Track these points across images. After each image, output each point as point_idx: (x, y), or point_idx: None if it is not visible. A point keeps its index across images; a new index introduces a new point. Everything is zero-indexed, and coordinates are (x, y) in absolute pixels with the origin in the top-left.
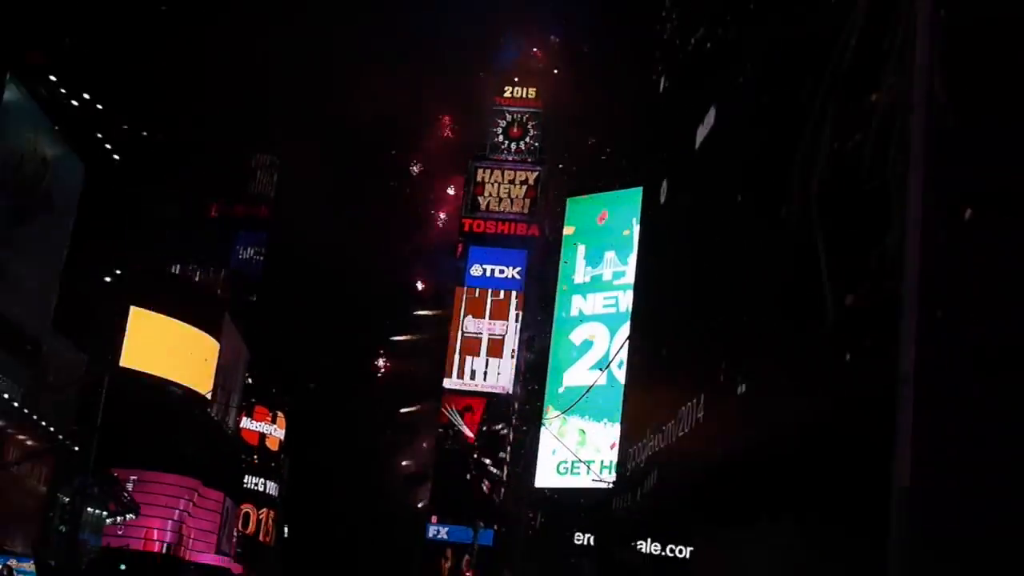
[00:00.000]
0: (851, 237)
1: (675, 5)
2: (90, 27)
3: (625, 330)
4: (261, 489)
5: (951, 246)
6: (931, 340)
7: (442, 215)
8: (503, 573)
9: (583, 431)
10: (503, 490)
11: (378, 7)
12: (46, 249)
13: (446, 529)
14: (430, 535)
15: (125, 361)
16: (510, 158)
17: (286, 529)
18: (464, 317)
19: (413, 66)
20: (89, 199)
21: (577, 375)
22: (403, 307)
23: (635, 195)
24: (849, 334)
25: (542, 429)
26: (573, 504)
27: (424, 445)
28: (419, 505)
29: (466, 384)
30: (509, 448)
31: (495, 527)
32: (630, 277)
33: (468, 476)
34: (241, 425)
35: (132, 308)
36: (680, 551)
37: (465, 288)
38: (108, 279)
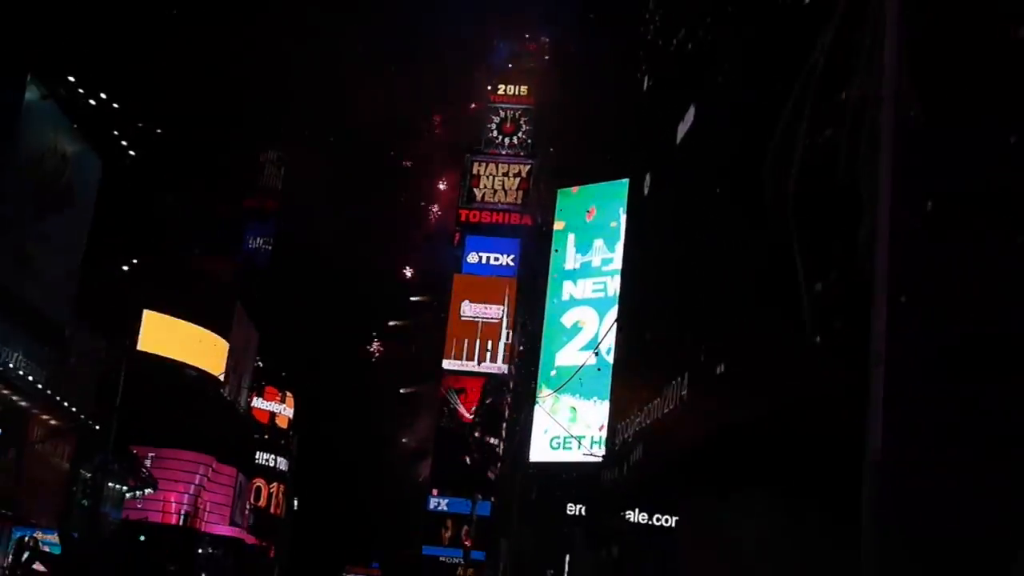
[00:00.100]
0: (824, 229)
1: (658, 7)
2: (106, 30)
3: (613, 313)
4: (272, 464)
5: (919, 236)
6: (901, 324)
7: (440, 206)
8: (499, 541)
9: (574, 408)
10: (499, 464)
11: (379, 12)
12: (67, 240)
13: (446, 501)
14: (431, 507)
15: (142, 347)
16: (504, 152)
17: (295, 502)
18: (461, 302)
19: (412, 66)
20: (107, 193)
21: (568, 356)
22: (403, 293)
23: (622, 187)
24: (819, 318)
25: (535, 407)
26: (565, 477)
27: (424, 423)
28: (420, 479)
29: (463, 365)
30: (505, 425)
31: (492, 499)
32: (617, 263)
33: (465, 452)
34: (252, 404)
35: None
36: (666, 520)
37: (463, 274)
38: (125, 268)
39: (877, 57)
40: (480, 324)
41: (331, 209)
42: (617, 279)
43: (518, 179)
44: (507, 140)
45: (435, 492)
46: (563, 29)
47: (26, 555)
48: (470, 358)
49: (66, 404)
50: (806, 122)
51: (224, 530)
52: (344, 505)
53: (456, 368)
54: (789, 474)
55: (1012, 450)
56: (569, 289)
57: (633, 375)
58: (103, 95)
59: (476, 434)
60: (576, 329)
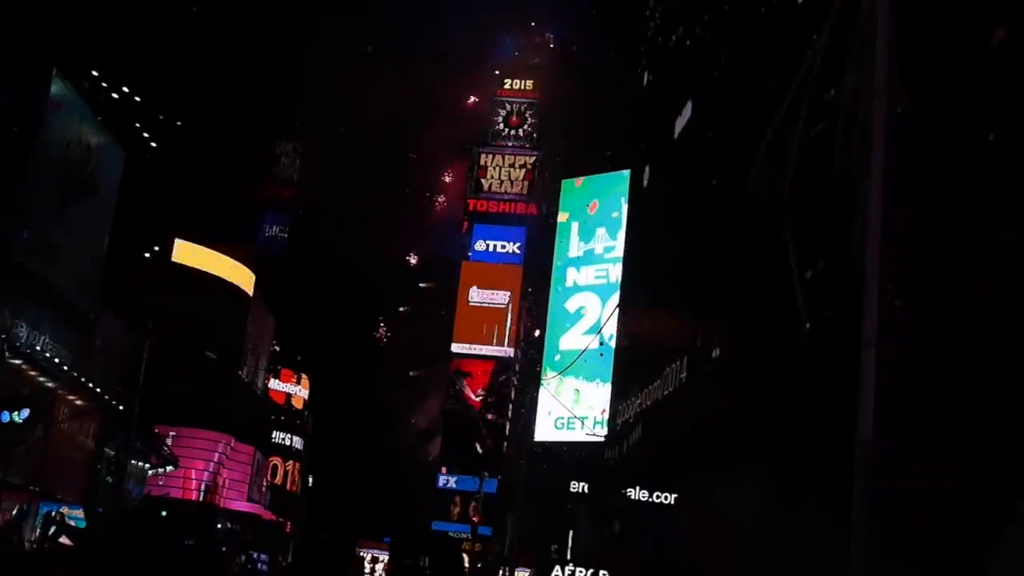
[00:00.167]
0: (818, 221)
1: (657, 6)
2: (128, 27)
3: (615, 299)
4: (287, 443)
5: (908, 227)
6: (890, 313)
7: (446, 197)
8: (506, 517)
9: (577, 390)
10: (505, 444)
11: (390, 10)
12: (92, 229)
13: (454, 479)
14: (440, 484)
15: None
16: (510, 144)
17: (310, 479)
18: (470, 288)
19: (423, 62)
20: (129, 183)
21: (572, 340)
22: (412, 280)
23: (623, 177)
24: (810, 305)
25: (540, 389)
26: (569, 456)
27: (433, 404)
28: (430, 458)
29: (471, 348)
30: (511, 406)
31: (498, 477)
32: (619, 251)
33: (473, 433)
34: (269, 386)
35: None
36: (665, 497)
37: (471, 261)
38: (147, 255)
39: (868, 55)
40: (487, 309)
41: (343, 199)
42: (619, 266)
43: (524, 170)
44: (513, 132)
45: (444, 470)
46: (568, 26)
47: (53, 529)
48: (477, 341)
49: (91, 385)
50: (802, 119)
51: (242, 506)
52: (357, 482)
53: (464, 351)
54: (782, 452)
55: (995, 439)
56: (572, 276)
57: (634, 358)
58: (126, 89)
59: (483, 415)
60: (579, 314)
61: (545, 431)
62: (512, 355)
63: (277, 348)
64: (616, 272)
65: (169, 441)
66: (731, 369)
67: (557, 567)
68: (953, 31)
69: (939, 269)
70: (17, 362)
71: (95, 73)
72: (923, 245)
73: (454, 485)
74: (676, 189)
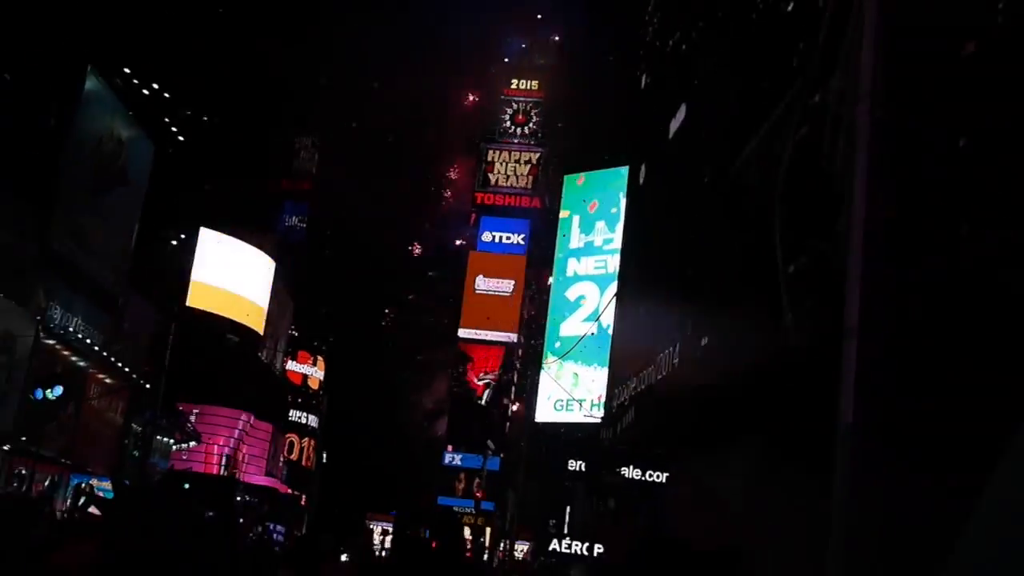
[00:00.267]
0: (804, 218)
1: (656, 11)
2: (158, 26)
3: (613, 288)
4: (303, 421)
5: (892, 225)
6: (872, 302)
7: (453, 190)
8: (507, 493)
9: (576, 374)
10: (508, 424)
11: (405, 15)
12: (122, 217)
13: (460, 456)
14: (446, 461)
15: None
16: (516, 141)
17: (324, 455)
18: (476, 276)
19: (435, 63)
20: (158, 174)
21: (571, 327)
22: (422, 268)
23: (622, 174)
24: (792, 297)
25: (541, 373)
26: (567, 436)
27: (440, 386)
28: (437, 436)
29: (477, 333)
30: (514, 388)
31: (501, 455)
32: (618, 243)
33: (475, 415)
34: (287, 367)
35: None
36: (657, 476)
37: (477, 251)
38: (174, 243)
39: (855, 57)
40: (493, 297)
41: (358, 191)
42: (617, 257)
43: (529, 165)
44: (519, 130)
45: (450, 448)
46: (572, 29)
47: (83, 500)
48: (483, 327)
49: (120, 365)
50: (794, 121)
51: (260, 480)
52: (368, 459)
53: (470, 336)
54: (767, 435)
55: (969, 430)
56: (573, 266)
57: (630, 345)
58: (155, 85)
59: (485, 397)
60: (579, 302)
61: (545, 413)
62: (515, 340)
63: (296, 332)
64: (614, 263)
65: (192, 418)
66: (717, 355)
67: (555, 540)
68: (933, 41)
69: (919, 263)
70: (51, 342)
71: (127, 70)
72: (905, 240)
73: (459, 462)
74: (669, 187)
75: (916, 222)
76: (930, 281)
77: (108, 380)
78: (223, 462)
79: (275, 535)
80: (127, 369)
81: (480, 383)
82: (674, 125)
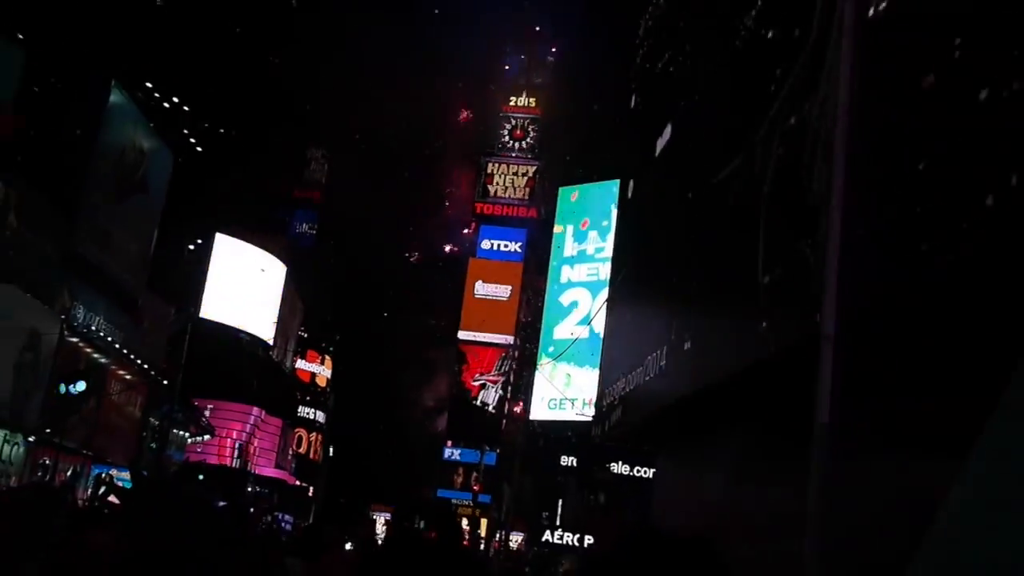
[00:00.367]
0: (784, 231)
1: (647, 36)
2: (179, 43)
3: (604, 294)
4: (311, 417)
5: (867, 239)
6: (848, 310)
7: (457, 200)
8: (503, 486)
9: (569, 375)
10: (504, 421)
11: (410, 36)
12: (142, 223)
13: (458, 451)
14: (446, 456)
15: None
16: (514, 154)
17: (331, 449)
18: (476, 281)
19: (438, 80)
20: (176, 183)
21: (565, 330)
22: (424, 273)
23: (613, 186)
24: (769, 304)
25: (536, 373)
26: (558, 434)
27: (441, 384)
28: (437, 431)
29: (476, 336)
30: (510, 388)
31: (497, 450)
32: (609, 252)
33: (470, 414)
34: (296, 365)
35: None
36: (645, 471)
37: (477, 258)
38: (191, 247)
39: (833, 81)
40: (491, 301)
41: (367, 200)
42: (608, 265)
43: (526, 178)
44: (517, 144)
45: (449, 443)
46: (569, 50)
47: (103, 489)
48: (481, 330)
49: (139, 362)
50: (775, 139)
51: (270, 472)
52: (372, 453)
53: (469, 338)
54: (745, 434)
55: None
56: (567, 273)
57: (620, 347)
58: (176, 99)
59: (478, 399)
60: (572, 307)
61: (540, 411)
62: (512, 343)
63: (304, 334)
64: (605, 271)
65: (207, 413)
66: (699, 359)
67: (547, 532)
68: (905, 67)
69: (894, 274)
70: (75, 340)
71: (149, 84)
72: (880, 250)
73: (458, 457)
74: (655, 202)
75: (890, 234)
76: (904, 289)
77: (128, 376)
78: (236, 454)
79: (284, 524)
80: (146, 366)
81: (475, 384)
82: (660, 144)
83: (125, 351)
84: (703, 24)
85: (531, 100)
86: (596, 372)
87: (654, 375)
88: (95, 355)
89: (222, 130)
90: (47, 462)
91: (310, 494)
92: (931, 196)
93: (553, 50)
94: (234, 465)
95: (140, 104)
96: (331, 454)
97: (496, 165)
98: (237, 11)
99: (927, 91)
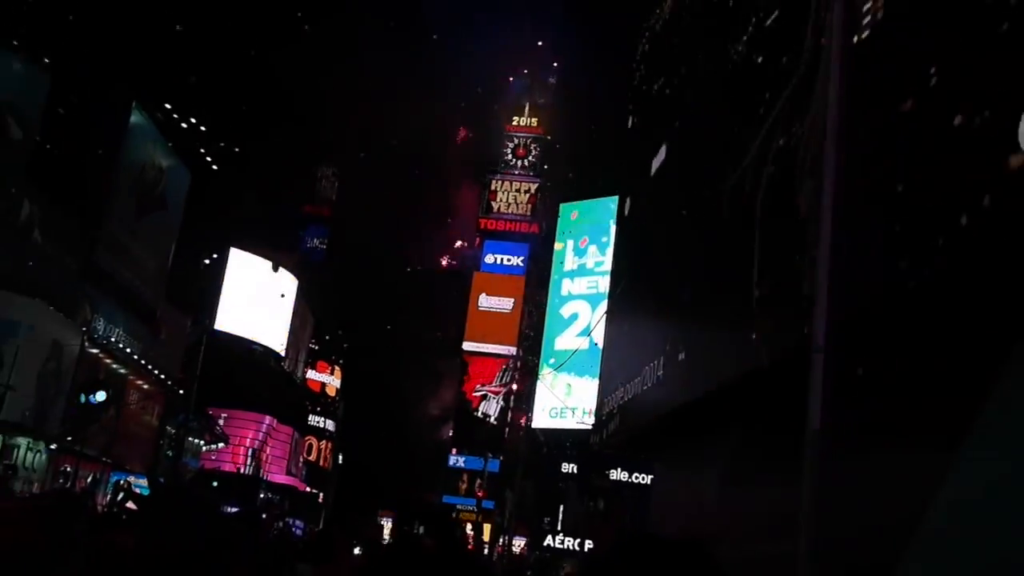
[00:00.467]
0: (775, 246)
1: (643, 60)
2: (196, 66)
3: (603, 306)
4: (322, 426)
5: (855, 253)
6: (838, 322)
7: (462, 216)
8: (506, 492)
9: (569, 385)
10: (507, 430)
11: (418, 58)
12: (161, 238)
13: (463, 459)
14: (451, 463)
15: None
16: (517, 172)
17: (340, 457)
18: (480, 294)
19: (444, 102)
20: (193, 199)
21: (565, 341)
22: (430, 287)
23: (612, 203)
24: (760, 317)
25: (538, 383)
26: (561, 441)
27: (446, 394)
28: (443, 439)
29: (480, 347)
30: (512, 398)
31: (501, 458)
32: (608, 265)
33: (472, 423)
34: (307, 376)
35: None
36: (643, 478)
37: (481, 272)
38: (207, 261)
39: (821, 105)
40: (494, 313)
41: (376, 216)
42: (607, 278)
43: (528, 194)
44: (520, 162)
45: (455, 451)
46: (568, 73)
47: (121, 495)
48: (485, 341)
49: (156, 372)
50: (767, 160)
51: (282, 479)
52: (380, 460)
53: (473, 349)
54: (738, 442)
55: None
56: (567, 286)
57: (618, 358)
58: (193, 119)
59: (482, 407)
60: (572, 319)
61: (541, 419)
62: (514, 354)
63: (315, 346)
64: (604, 284)
65: (221, 422)
66: (693, 369)
67: (549, 536)
68: (888, 94)
69: (883, 287)
70: (95, 351)
71: (168, 105)
72: (868, 264)
73: (463, 464)
74: (651, 219)
75: (877, 248)
76: (888, 300)
77: (145, 386)
78: (249, 462)
79: (295, 530)
80: (163, 376)
81: (476, 395)
82: (656, 163)
83: (143, 362)
84: (697, 49)
85: (533, 120)
86: (596, 382)
87: (651, 385)
88: (114, 366)
89: (237, 149)
90: (68, 469)
91: (320, 500)
92: (910, 214)
93: (555, 64)
94: (247, 472)
95: (159, 124)
96: (340, 461)
97: (500, 182)
98: (250, 36)
99: (907, 114)
